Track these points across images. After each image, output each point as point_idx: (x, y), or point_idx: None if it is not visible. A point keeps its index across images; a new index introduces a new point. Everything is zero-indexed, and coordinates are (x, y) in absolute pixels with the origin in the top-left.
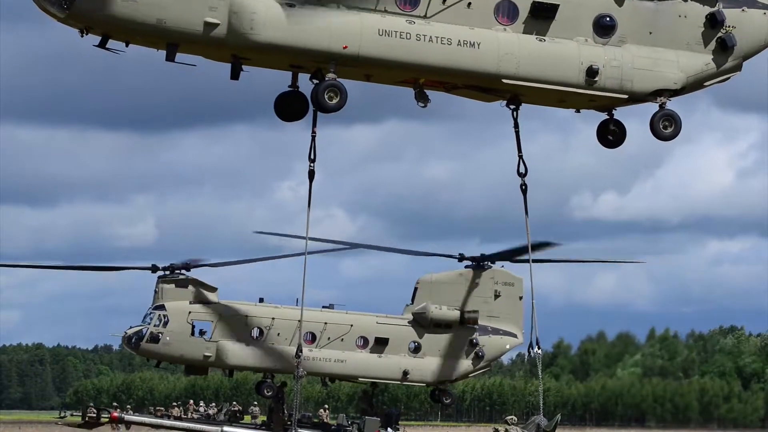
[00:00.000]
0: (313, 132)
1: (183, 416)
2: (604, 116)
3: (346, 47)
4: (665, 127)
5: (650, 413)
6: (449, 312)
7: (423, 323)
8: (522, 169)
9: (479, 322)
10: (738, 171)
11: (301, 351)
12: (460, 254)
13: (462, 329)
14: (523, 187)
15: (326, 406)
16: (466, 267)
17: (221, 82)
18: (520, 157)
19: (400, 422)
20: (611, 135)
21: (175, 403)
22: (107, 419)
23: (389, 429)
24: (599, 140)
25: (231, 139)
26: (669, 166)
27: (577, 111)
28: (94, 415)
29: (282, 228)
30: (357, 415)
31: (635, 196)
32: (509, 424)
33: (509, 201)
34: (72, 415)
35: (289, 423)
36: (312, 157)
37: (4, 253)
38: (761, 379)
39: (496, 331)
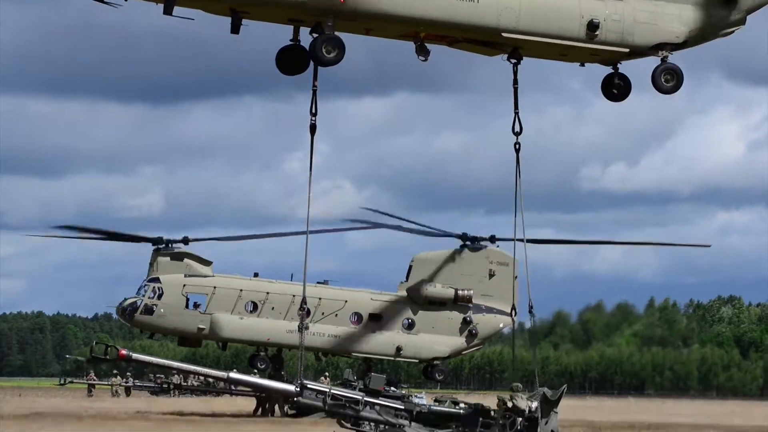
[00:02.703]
0: (314, 86)
1: (183, 384)
2: (609, 70)
3: (343, 1)
4: (667, 80)
5: (649, 382)
6: (443, 290)
7: (417, 300)
8: (517, 128)
9: (473, 301)
10: (749, 143)
11: (305, 302)
12: (463, 233)
13: (456, 307)
14: (517, 146)
15: (326, 374)
16: (462, 246)
17: (231, 53)
18: (516, 113)
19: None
20: (616, 89)
21: (174, 371)
22: (115, 356)
23: (392, 389)
24: (604, 94)
25: (240, 111)
26: (679, 138)
27: (581, 65)
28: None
29: (289, 200)
30: (356, 378)
31: (644, 167)
32: (515, 392)
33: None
34: (72, 382)
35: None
36: (313, 111)
37: (12, 224)
38: (760, 348)
39: (490, 310)
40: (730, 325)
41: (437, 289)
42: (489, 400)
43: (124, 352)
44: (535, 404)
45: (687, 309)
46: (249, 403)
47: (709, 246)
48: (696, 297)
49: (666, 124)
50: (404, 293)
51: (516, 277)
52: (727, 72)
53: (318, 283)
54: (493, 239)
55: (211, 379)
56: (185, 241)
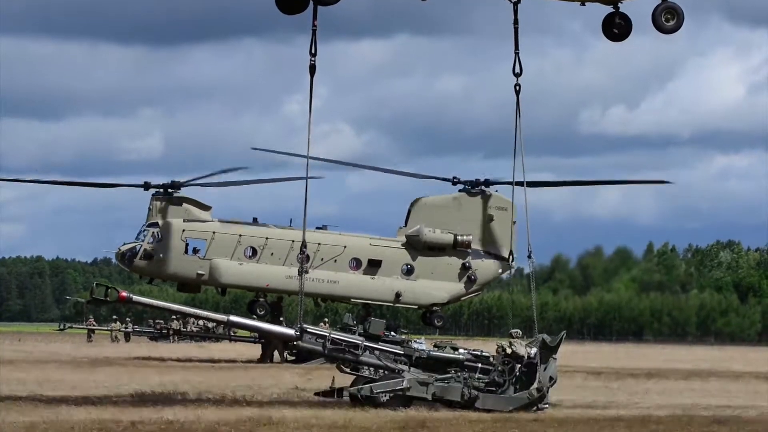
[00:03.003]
0: (314, 26)
1: (183, 329)
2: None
3: None
4: (667, 19)
5: (647, 327)
6: (442, 235)
7: (416, 246)
8: (517, 69)
9: (472, 246)
10: (750, 86)
11: (305, 246)
12: (454, 177)
13: (455, 252)
14: (517, 88)
15: (326, 319)
16: (460, 191)
17: None
18: (517, 54)
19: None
20: (616, 28)
21: (174, 316)
22: (115, 298)
23: (392, 334)
24: (605, 33)
25: (240, 53)
26: (679, 80)
27: (582, 3)
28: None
29: (288, 142)
30: (355, 323)
31: (644, 110)
32: (513, 338)
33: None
34: (71, 327)
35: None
36: (313, 51)
37: (11, 166)
38: (758, 293)
39: (488, 255)
40: (728, 270)
41: (436, 234)
42: (488, 347)
43: (124, 294)
44: (534, 350)
45: (686, 254)
46: (247, 349)
47: (672, 183)
48: (696, 242)
49: (665, 67)
50: (403, 238)
51: (515, 222)
52: (727, 13)
53: (317, 228)
54: (487, 183)
55: (210, 325)
56: (175, 185)
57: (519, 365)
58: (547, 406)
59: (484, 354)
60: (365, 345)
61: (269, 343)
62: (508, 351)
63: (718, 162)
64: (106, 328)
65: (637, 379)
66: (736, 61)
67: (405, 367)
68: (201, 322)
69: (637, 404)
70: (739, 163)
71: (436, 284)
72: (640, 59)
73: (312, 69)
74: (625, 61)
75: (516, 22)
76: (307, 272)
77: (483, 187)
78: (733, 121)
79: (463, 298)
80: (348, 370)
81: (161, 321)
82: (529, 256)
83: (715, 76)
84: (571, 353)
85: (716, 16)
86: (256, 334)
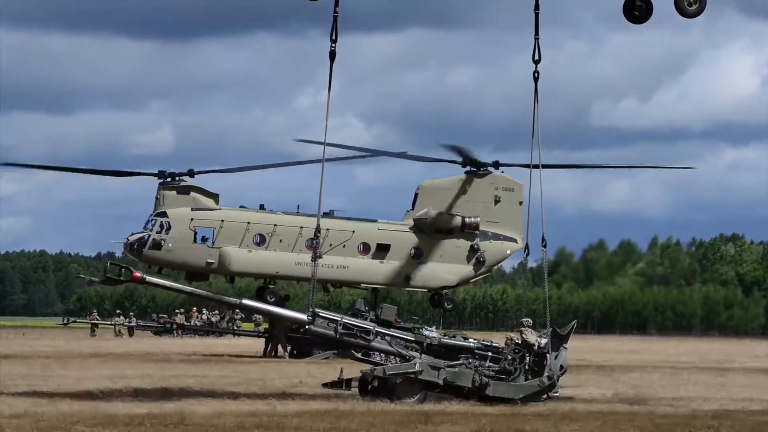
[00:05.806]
0: (335, 12)
1: (186, 323)
2: None
3: None
4: (690, 4)
5: (651, 321)
6: (450, 217)
7: (424, 229)
8: (537, 56)
9: (480, 228)
10: (763, 78)
11: (319, 231)
12: (463, 160)
13: (463, 235)
14: (536, 75)
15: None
16: (467, 173)
17: None
18: (537, 39)
19: None
20: (638, 11)
21: (178, 311)
22: (128, 278)
23: (402, 322)
24: (626, 16)
25: (251, 47)
26: (691, 73)
27: None
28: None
29: (299, 136)
30: (367, 309)
31: (656, 103)
32: (524, 326)
33: (528, 109)
34: (75, 321)
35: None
36: (333, 38)
37: (20, 160)
38: (762, 286)
39: (496, 237)
40: (731, 264)
41: (444, 216)
42: (494, 340)
43: (138, 273)
44: (544, 340)
45: (689, 247)
46: (252, 343)
47: (695, 168)
48: (700, 235)
49: (678, 60)
50: (411, 222)
51: (521, 203)
52: (741, 5)
53: (324, 213)
54: (497, 165)
55: (214, 319)
56: (191, 173)
57: (529, 354)
58: (557, 393)
59: (494, 344)
60: (377, 330)
61: (273, 337)
62: (518, 340)
63: (728, 155)
64: (109, 323)
65: (641, 373)
66: (749, 53)
67: (416, 354)
68: (204, 317)
69: (641, 398)
70: (747, 156)
71: (445, 267)
72: (652, 52)
73: (332, 55)
74: (638, 53)
75: (537, 7)
76: (320, 257)
77: (490, 168)
78: (746, 114)
79: (471, 281)
80: (359, 355)
81: (164, 315)
82: (543, 246)
83: (729, 69)
84: (574, 347)
85: (730, 8)
86: (260, 329)
